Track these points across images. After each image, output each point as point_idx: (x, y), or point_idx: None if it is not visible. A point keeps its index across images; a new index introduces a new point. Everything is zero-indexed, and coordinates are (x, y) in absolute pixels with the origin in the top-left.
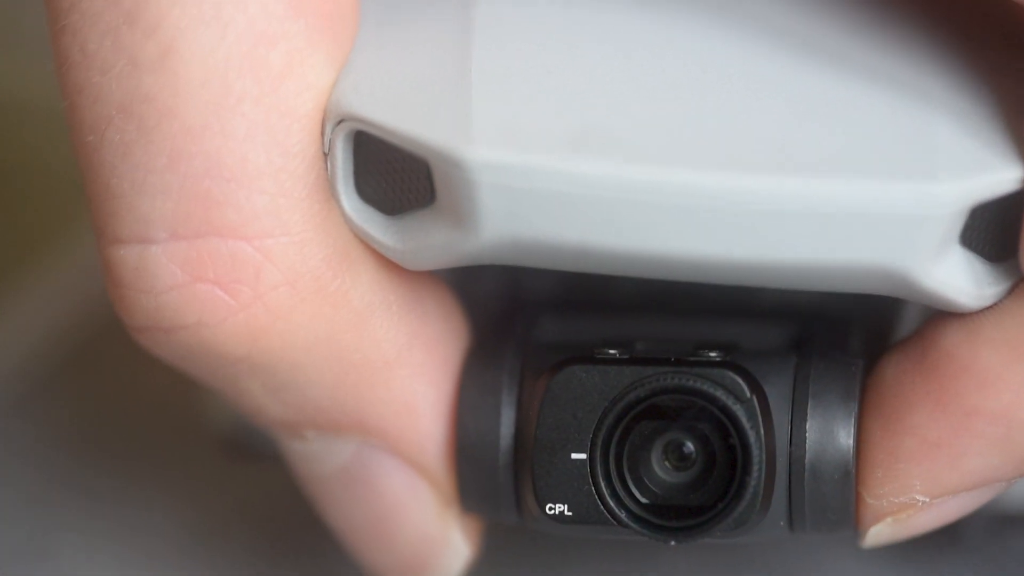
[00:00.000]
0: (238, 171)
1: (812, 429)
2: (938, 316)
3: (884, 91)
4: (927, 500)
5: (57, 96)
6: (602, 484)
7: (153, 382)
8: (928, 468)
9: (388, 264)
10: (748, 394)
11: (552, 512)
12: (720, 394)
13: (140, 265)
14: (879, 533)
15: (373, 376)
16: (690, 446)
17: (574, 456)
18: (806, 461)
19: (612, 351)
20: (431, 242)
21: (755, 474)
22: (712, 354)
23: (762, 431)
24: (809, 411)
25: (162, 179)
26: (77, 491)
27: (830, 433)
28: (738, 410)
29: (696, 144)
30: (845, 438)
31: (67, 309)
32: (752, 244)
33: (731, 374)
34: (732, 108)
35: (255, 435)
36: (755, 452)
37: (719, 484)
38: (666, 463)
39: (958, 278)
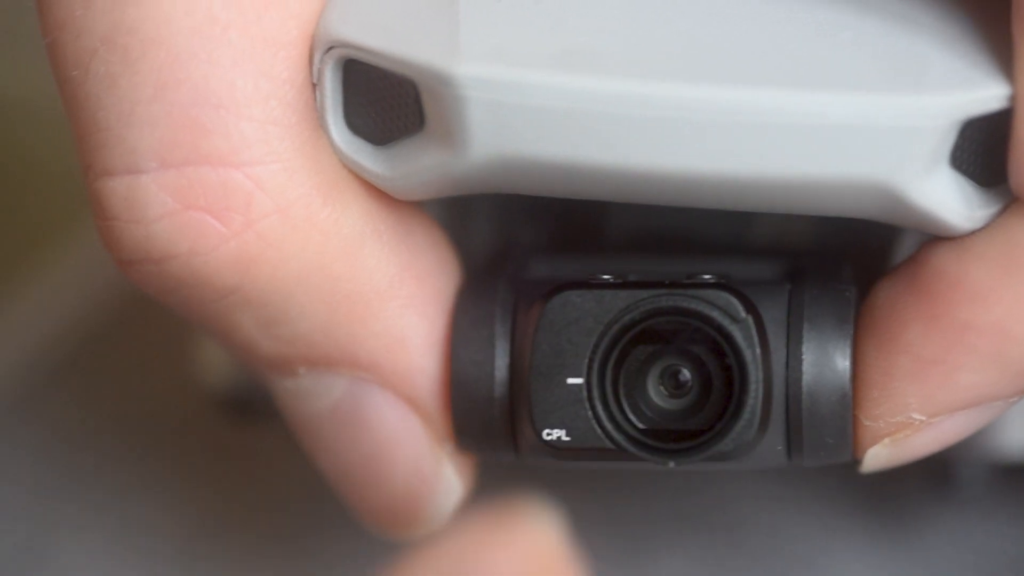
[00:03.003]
0: (226, 98)
1: (808, 352)
2: (930, 240)
3: (873, 17)
4: (923, 419)
5: (56, 96)
6: (599, 407)
7: (153, 382)
8: (923, 386)
9: (378, 194)
10: (744, 314)
11: (549, 438)
12: (716, 314)
13: (129, 195)
14: (876, 456)
15: (365, 307)
16: (686, 373)
17: (570, 381)
18: (803, 385)
19: (606, 276)
20: (420, 167)
21: (752, 392)
22: (706, 277)
23: (758, 350)
24: (804, 335)
25: (149, 109)
26: (78, 491)
27: (826, 356)
28: (734, 330)
29: (684, 59)
30: (841, 360)
31: (67, 309)
32: (741, 158)
33: (726, 295)
34: (722, 27)
35: (253, 392)
36: (752, 370)
37: (716, 407)
38: (662, 389)
39: (949, 198)
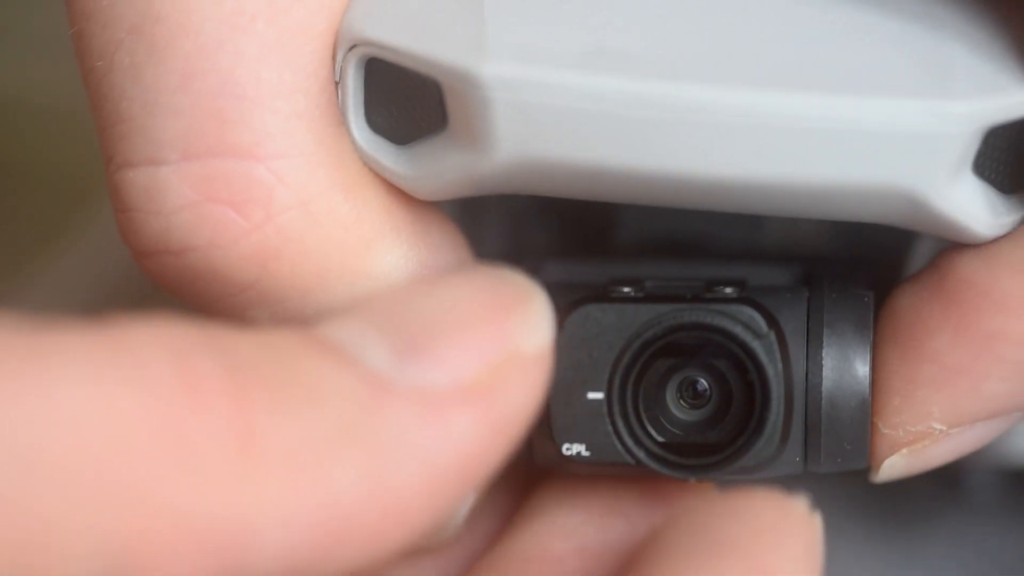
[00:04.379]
0: (251, 90)
1: (828, 359)
2: (952, 246)
3: (898, 19)
4: (944, 429)
5: (57, 96)
6: (619, 423)
7: None
8: (948, 394)
9: (397, 192)
10: (766, 329)
11: (569, 452)
12: (738, 330)
13: (150, 186)
14: (893, 466)
15: None
16: (704, 383)
17: (591, 396)
18: (822, 391)
19: (626, 289)
20: (443, 167)
21: (774, 409)
22: (727, 290)
23: (780, 366)
24: (824, 341)
25: (173, 99)
26: None
27: (846, 362)
28: (756, 346)
29: (710, 61)
30: (861, 366)
31: (67, 309)
32: (766, 163)
33: (748, 309)
34: (747, 29)
35: None
36: (774, 388)
37: (737, 421)
38: (681, 402)
39: (973, 204)
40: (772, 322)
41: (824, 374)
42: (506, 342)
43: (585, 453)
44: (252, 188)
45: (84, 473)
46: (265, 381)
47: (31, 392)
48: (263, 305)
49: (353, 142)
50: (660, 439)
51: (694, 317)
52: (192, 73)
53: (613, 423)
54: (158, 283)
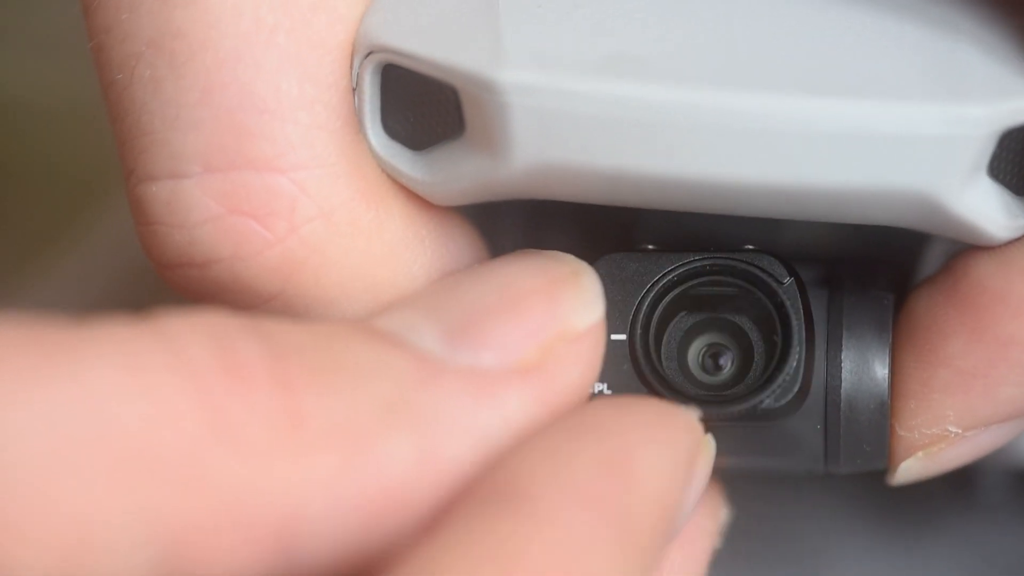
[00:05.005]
0: (272, 102)
1: (847, 361)
2: (968, 249)
3: (913, 23)
4: (960, 432)
5: (57, 96)
6: (641, 362)
7: None
8: (963, 398)
9: (419, 199)
10: (788, 276)
11: (592, 392)
12: (760, 275)
13: (173, 200)
14: (909, 468)
15: None
16: (725, 356)
17: (614, 337)
18: (842, 392)
19: (651, 246)
20: (460, 173)
21: (796, 348)
22: (749, 246)
23: (801, 309)
24: (844, 343)
25: (194, 113)
26: None
27: (865, 364)
28: (778, 290)
29: (727, 66)
30: (880, 369)
31: (67, 310)
32: (783, 167)
33: (769, 258)
34: (763, 34)
35: None
36: (795, 325)
37: (756, 378)
38: (702, 370)
39: (988, 207)
40: (793, 272)
41: (843, 376)
42: (556, 320)
43: (607, 392)
44: (275, 200)
45: (127, 460)
46: (310, 363)
47: (69, 382)
48: (287, 315)
49: (370, 148)
50: (680, 378)
51: (716, 262)
52: (212, 86)
53: (635, 362)
54: (181, 294)
